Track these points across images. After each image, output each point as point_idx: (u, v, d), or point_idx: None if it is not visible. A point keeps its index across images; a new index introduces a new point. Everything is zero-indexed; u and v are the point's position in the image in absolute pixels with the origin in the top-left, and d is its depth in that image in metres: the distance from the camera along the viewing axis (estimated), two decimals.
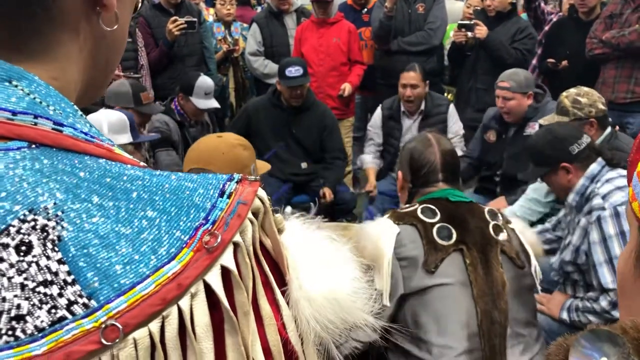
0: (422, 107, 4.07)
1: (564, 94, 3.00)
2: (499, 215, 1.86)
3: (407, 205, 1.87)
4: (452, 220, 1.76)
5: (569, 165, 2.32)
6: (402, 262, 1.72)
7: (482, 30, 4.22)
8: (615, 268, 2.12)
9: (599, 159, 2.30)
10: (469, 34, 4.29)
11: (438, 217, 1.76)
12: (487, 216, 1.81)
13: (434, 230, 1.73)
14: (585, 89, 3.05)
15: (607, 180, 2.24)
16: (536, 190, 3.03)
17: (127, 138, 2.79)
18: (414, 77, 3.97)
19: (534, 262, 1.85)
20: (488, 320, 1.67)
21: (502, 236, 1.78)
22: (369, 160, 4.19)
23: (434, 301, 1.69)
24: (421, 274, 1.70)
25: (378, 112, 4.21)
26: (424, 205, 1.80)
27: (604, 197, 2.21)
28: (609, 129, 2.93)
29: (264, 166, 2.26)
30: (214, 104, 3.78)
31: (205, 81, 3.72)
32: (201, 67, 4.40)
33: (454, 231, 1.74)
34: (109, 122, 2.68)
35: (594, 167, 2.29)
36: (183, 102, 3.73)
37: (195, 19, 4.30)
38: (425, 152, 1.91)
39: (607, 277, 2.15)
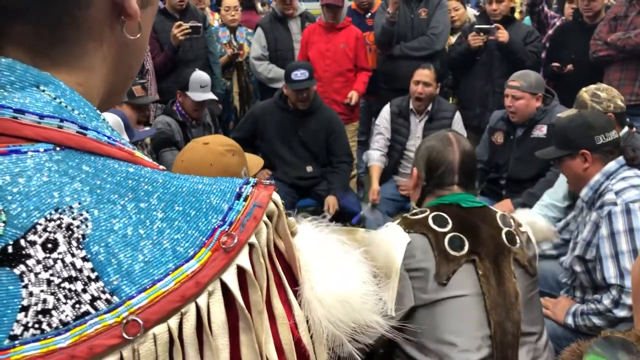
0: (429, 108, 4.09)
1: (584, 89, 3.02)
2: (511, 220, 1.81)
3: (418, 211, 1.81)
4: (464, 228, 1.72)
5: (588, 153, 2.31)
6: (412, 273, 1.69)
7: (504, 34, 4.23)
8: (620, 264, 2.13)
9: (620, 158, 2.31)
10: (488, 37, 4.29)
11: (450, 226, 1.71)
12: (499, 222, 1.76)
13: (446, 240, 1.69)
14: (605, 85, 3.07)
15: (623, 178, 2.25)
16: (553, 195, 3.03)
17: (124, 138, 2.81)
18: (427, 75, 3.99)
19: (537, 252, 1.84)
20: (501, 332, 1.65)
21: (515, 244, 1.74)
22: (376, 157, 4.17)
23: (446, 313, 1.67)
24: (433, 286, 1.67)
25: (386, 108, 4.20)
26: (435, 212, 1.75)
27: (617, 193, 2.22)
28: (626, 128, 2.94)
29: (257, 162, 2.19)
30: (209, 95, 3.80)
31: (199, 75, 3.75)
32: (206, 71, 4.42)
33: (466, 241, 1.70)
34: None
35: (611, 165, 2.29)
36: (182, 99, 3.77)
37: (200, 24, 4.32)
38: (444, 151, 1.85)
39: (610, 272, 2.16)
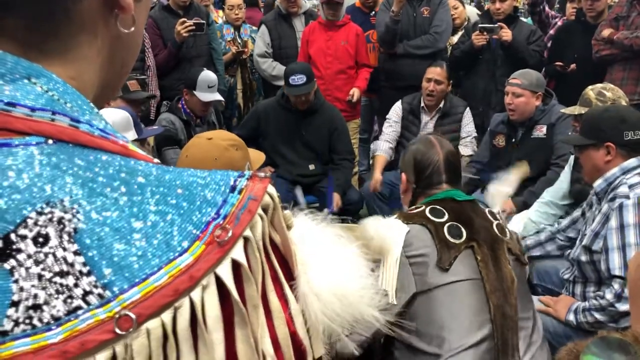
0: (441, 105, 4.10)
1: (590, 87, 3.02)
2: (498, 215, 1.91)
3: (414, 207, 1.88)
4: (460, 219, 1.79)
5: (613, 147, 2.31)
6: (412, 260, 1.74)
7: (508, 33, 4.24)
8: (626, 256, 2.13)
9: None
10: (491, 36, 4.29)
11: (446, 217, 1.78)
12: (489, 216, 1.85)
13: (445, 229, 1.76)
14: (612, 85, 3.07)
15: (638, 173, 2.26)
16: (553, 193, 3.04)
17: (132, 135, 2.82)
18: (439, 73, 4.03)
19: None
20: (500, 315, 1.71)
21: (506, 235, 1.82)
22: (384, 148, 4.18)
23: (446, 297, 1.72)
24: (435, 272, 1.72)
25: (398, 104, 4.24)
26: (431, 206, 1.82)
27: (630, 187, 2.23)
28: None
29: (258, 157, 2.20)
30: (217, 96, 3.82)
31: (207, 75, 3.76)
32: (209, 68, 4.42)
33: (463, 229, 1.77)
34: (113, 121, 2.70)
35: (631, 161, 2.30)
36: (188, 97, 3.77)
37: (203, 21, 4.33)
38: (428, 153, 1.93)
39: (615, 263, 2.16)
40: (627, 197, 2.20)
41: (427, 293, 1.72)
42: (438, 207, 1.81)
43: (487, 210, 1.89)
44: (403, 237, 1.74)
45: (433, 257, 1.73)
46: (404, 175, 2.02)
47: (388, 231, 1.74)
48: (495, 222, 1.83)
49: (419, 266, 1.73)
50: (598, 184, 2.35)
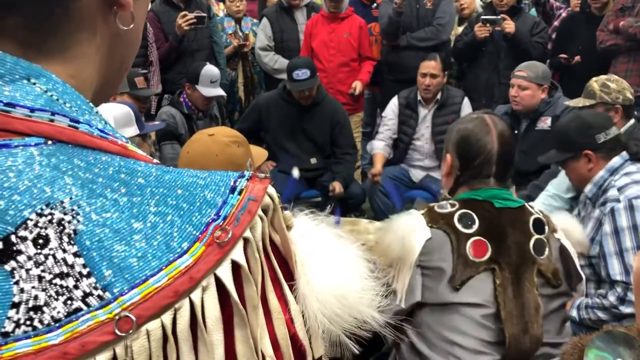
0: (438, 97, 4.09)
1: (594, 78, 3.01)
2: (546, 225, 1.67)
3: (446, 204, 1.69)
4: (489, 233, 1.62)
5: (592, 153, 2.30)
6: (425, 271, 1.63)
7: (511, 25, 4.23)
8: (624, 260, 2.12)
9: (623, 153, 2.30)
10: (494, 28, 4.28)
11: (475, 228, 1.61)
12: (530, 228, 1.65)
13: (468, 243, 1.60)
14: (616, 77, 3.06)
15: (626, 173, 2.25)
16: (557, 186, 3.03)
17: (133, 130, 2.81)
18: (434, 66, 4.00)
19: (576, 261, 1.71)
20: (515, 344, 1.58)
21: (543, 254, 1.64)
22: (380, 146, 4.18)
23: (456, 317, 1.60)
24: (445, 288, 1.60)
25: (394, 101, 4.21)
26: (463, 210, 1.64)
27: (619, 190, 2.21)
28: (632, 121, 2.92)
29: (261, 154, 2.19)
30: (219, 92, 3.82)
31: (210, 70, 3.76)
32: (211, 62, 4.42)
33: (489, 246, 1.61)
34: (114, 116, 2.68)
35: (615, 160, 2.29)
36: (190, 91, 3.77)
37: (204, 14, 4.32)
38: (483, 140, 1.68)
39: (615, 269, 2.16)
40: (618, 200, 2.19)
41: (434, 308, 1.63)
42: (471, 212, 1.63)
43: (533, 218, 1.66)
44: (422, 243, 1.60)
45: (447, 273, 1.60)
46: (448, 157, 1.76)
47: (408, 235, 1.61)
48: (535, 237, 1.63)
49: (432, 279, 1.62)
50: (589, 189, 2.34)
